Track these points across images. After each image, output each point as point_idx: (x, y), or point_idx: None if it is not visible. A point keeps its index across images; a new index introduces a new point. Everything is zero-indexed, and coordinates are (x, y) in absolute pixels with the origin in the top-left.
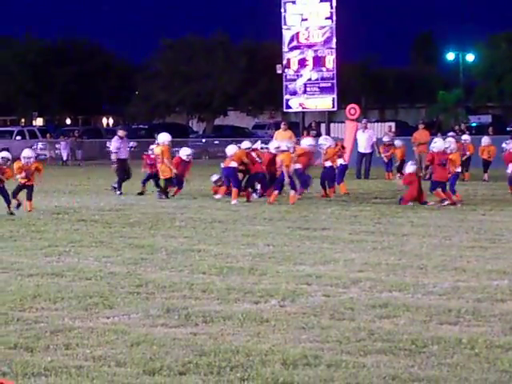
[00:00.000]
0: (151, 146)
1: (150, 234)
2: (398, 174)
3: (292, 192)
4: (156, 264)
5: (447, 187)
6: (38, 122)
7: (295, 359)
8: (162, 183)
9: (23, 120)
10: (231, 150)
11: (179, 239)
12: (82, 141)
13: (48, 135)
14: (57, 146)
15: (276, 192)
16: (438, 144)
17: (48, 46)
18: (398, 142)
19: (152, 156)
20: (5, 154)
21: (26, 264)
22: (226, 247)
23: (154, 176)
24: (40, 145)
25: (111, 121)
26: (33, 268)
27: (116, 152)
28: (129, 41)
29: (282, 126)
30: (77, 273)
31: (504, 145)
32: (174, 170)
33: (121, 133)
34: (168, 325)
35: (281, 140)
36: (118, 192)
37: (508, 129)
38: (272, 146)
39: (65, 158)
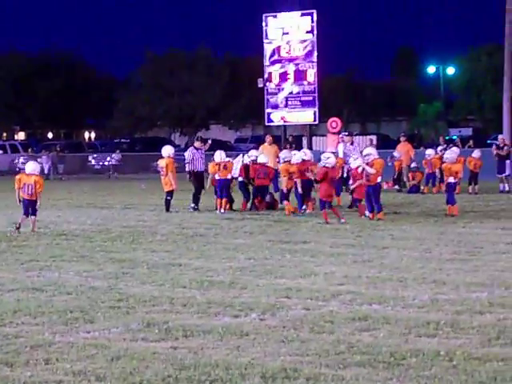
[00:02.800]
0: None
1: (131, 248)
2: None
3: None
4: (137, 278)
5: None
6: (20, 136)
7: (274, 372)
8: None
9: (5, 134)
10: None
11: (160, 253)
12: (63, 155)
13: (29, 149)
14: (38, 160)
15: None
16: (451, 156)
17: (31, 59)
18: (397, 154)
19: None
20: None
21: (7, 279)
22: (207, 261)
23: None
24: (22, 159)
25: (93, 135)
26: (13, 283)
27: (188, 163)
28: (112, 55)
29: (268, 139)
30: (57, 287)
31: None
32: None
33: (197, 144)
34: (148, 339)
35: (267, 154)
36: (193, 207)
37: (488, 141)
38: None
39: (46, 172)
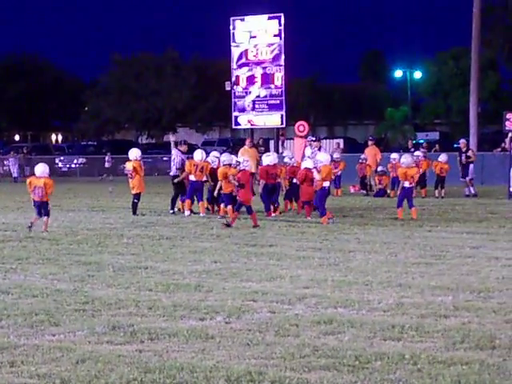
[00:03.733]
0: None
1: (97, 251)
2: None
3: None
4: (103, 281)
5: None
6: None
7: (239, 376)
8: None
9: None
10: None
11: (126, 256)
12: (30, 157)
13: None
14: (5, 162)
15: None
16: (407, 160)
17: None
18: (365, 157)
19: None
20: None
21: None
22: (173, 264)
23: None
24: None
25: (60, 137)
26: None
27: (176, 166)
28: (78, 57)
29: (248, 143)
30: (23, 290)
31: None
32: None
33: (183, 148)
34: (113, 342)
35: (248, 157)
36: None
37: (455, 145)
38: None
39: (15, 175)
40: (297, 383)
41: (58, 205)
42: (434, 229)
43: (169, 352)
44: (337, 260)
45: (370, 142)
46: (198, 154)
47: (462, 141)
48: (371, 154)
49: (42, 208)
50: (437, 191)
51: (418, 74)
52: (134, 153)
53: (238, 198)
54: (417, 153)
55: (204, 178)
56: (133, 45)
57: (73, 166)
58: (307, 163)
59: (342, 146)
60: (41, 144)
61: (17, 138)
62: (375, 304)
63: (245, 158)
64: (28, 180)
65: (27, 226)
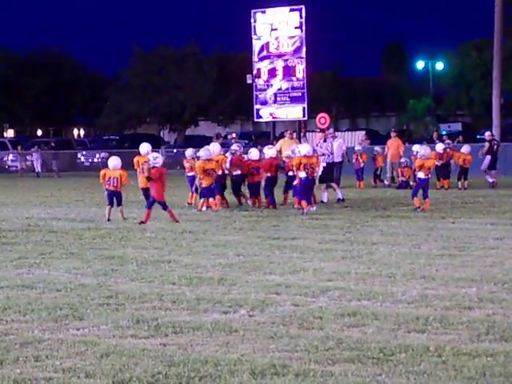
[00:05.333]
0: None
1: (120, 246)
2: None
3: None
4: (126, 275)
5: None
6: (9, 133)
7: (263, 369)
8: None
9: None
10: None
11: (149, 250)
12: (55, 152)
13: (19, 147)
14: (28, 157)
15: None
16: (425, 152)
17: (19, 56)
18: (379, 149)
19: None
20: None
21: None
22: (197, 257)
23: None
24: (11, 156)
25: (82, 132)
26: (3, 280)
27: None
28: (100, 52)
29: (288, 134)
30: (47, 284)
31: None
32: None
33: (219, 141)
34: (138, 336)
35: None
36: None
37: (478, 137)
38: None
39: (38, 170)
40: (321, 376)
41: (81, 199)
42: (457, 220)
43: (193, 345)
44: (360, 252)
45: (392, 134)
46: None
47: (488, 133)
48: (394, 145)
49: (115, 197)
50: (460, 183)
51: (440, 66)
52: (146, 147)
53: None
54: (439, 145)
55: (220, 172)
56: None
57: (95, 160)
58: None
59: (367, 137)
60: (63, 139)
61: (39, 133)
62: (399, 296)
63: (154, 155)
64: (102, 172)
65: (107, 220)
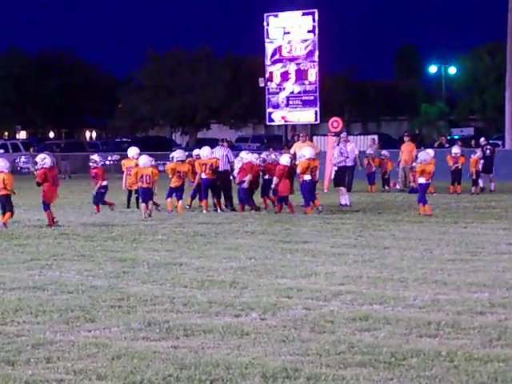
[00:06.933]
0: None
1: (131, 248)
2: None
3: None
4: (138, 277)
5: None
6: (22, 135)
7: (275, 372)
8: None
9: (6, 133)
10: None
11: (161, 253)
12: (67, 154)
13: (31, 149)
14: None
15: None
16: (425, 157)
17: (31, 58)
18: (386, 153)
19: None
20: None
21: (8, 277)
22: (208, 260)
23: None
24: (23, 158)
25: (94, 134)
26: (15, 281)
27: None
28: (112, 53)
29: (302, 137)
30: (58, 286)
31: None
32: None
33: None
34: (149, 338)
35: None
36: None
37: (490, 141)
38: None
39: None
40: (332, 380)
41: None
42: (469, 225)
43: (204, 348)
44: (372, 256)
45: (405, 138)
46: (206, 151)
47: (482, 139)
48: (407, 149)
49: (146, 194)
50: (473, 188)
51: (452, 70)
52: (134, 151)
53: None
54: (455, 149)
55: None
56: (166, 41)
57: (107, 162)
58: (284, 159)
59: (377, 141)
60: (75, 141)
61: (51, 135)
62: (411, 301)
63: (41, 157)
64: (135, 170)
65: (148, 215)
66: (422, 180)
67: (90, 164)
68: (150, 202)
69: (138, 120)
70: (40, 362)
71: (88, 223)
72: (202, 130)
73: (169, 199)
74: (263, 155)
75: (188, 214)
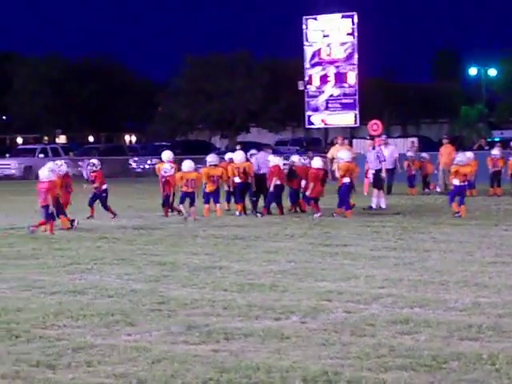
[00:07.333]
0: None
1: (171, 252)
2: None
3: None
4: (178, 281)
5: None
6: (61, 139)
7: (315, 376)
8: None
9: (46, 138)
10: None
11: (201, 256)
12: (105, 158)
13: (71, 153)
14: (80, 163)
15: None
16: (460, 158)
17: (71, 63)
18: (426, 156)
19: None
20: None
21: (49, 282)
22: (248, 264)
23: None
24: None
25: (134, 138)
26: (55, 286)
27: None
28: (149, 58)
29: (340, 141)
30: (99, 290)
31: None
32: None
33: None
34: (189, 342)
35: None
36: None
37: None
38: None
39: (87, 177)
40: (373, 383)
41: (131, 205)
42: (510, 228)
43: (244, 352)
44: (412, 259)
45: (444, 141)
46: (239, 155)
47: None
48: (446, 152)
49: (190, 198)
50: None
51: (492, 72)
52: (168, 154)
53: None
54: (494, 151)
55: (249, 179)
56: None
57: (146, 166)
58: (317, 163)
59: (416, 144)
60: (115, 145)
61: (91, 139)
62: (452, 304)
63: (57, 163)
64: (179, 174)
65: (184, 218)
66: (455, 181)
67: (89, 168)
68: (194, 207)
69: (177, 124)
70: (80, 365)
71: (127, 227)
72: (241, 133)
73: (206, 205)
74: (293, 158)
75: (227, 217)
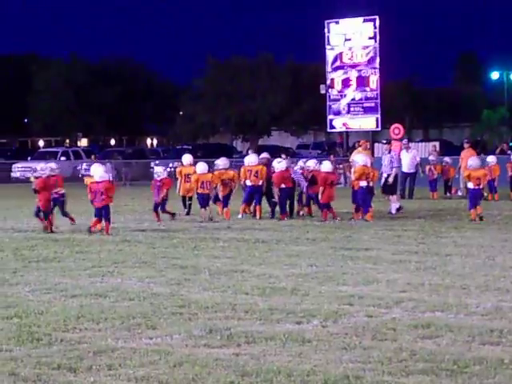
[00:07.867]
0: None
1: (193, 255)
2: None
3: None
4: (199, 284)
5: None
6: (83, 142)
7: (337, 379)
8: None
9: (68, 141)
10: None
11: (222, 260)
12: (128, 161)
13: (92, 156)
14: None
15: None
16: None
17: (92, 66)
18: (448, 160)
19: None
20: None
21: (70, 285)
22: (269, 268)
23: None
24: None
25: (155, 141)
26: (76, 289)
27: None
28: (170, 60)
29: (364, 144)
30: (120, 293)
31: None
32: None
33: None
34: (210, 345)
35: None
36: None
37: None
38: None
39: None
40: None
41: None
42: None
43: (266, 355)
44: (433, 263)
45: (465, 145)
46: (252, 158)
47: None
48: (467, 156)
49: (205, 199)
50: None
51: None
52: (188, 158)
53: (39, 204)
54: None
55: (260, 182)
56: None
57: (168, 169)
58: (326, 166)
59: (437, 148)
60: (136, 148)
61: (112, 142)
62: (473, 308)
63: (41, 166)
64: (195, 176)
65: (210, 220)
66: (470, 185)
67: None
68: (209, 208)
69: (198, 127)
70: (102, 369)
71: (149, 230)
72: (263, 136)
73: (225, 209)
74: (300, 163)
75: (249, 221)
